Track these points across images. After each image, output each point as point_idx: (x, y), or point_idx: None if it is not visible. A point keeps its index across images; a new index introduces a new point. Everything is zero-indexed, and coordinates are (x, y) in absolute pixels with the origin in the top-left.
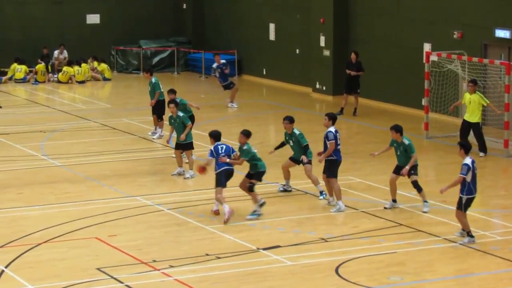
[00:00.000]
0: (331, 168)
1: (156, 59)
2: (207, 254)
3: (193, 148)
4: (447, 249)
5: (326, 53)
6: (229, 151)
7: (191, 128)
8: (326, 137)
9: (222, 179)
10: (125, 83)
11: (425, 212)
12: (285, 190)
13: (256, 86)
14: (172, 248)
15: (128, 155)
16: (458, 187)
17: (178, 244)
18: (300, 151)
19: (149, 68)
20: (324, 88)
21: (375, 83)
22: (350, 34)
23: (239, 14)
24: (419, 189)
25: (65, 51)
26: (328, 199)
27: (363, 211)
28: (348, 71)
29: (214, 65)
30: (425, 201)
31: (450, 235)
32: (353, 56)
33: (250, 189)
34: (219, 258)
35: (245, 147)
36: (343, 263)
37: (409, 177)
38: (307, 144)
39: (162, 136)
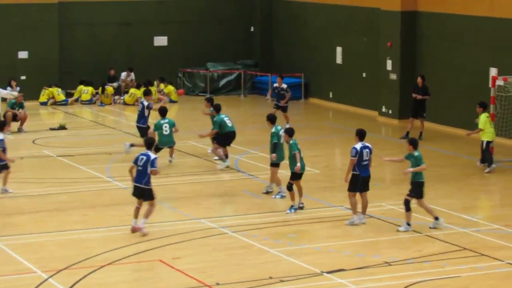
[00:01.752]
0: (351, 182)
1: (223, 82)
2: (271, 277)
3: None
4: (510, 273)
5: (393, 76)
6: None
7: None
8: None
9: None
10: (192, 105)
11: (399, 231)
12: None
13: (323, 109)
14: (235, 271)
15: (194, 177)
16: None
17: (242, 267)
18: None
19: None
20: (390, 111)
21: (441, 107)
22: (417, 58)
23: (306, 37)
24: (407, 208)
25: (132, 74)
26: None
27: (427, 235)
28: (414, 95)
29: (275, 85)
30: (408, 223)
31: None
32: (419, 80)
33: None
34: (282, 281)
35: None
36: (407, 287)
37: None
38: (275, 143)
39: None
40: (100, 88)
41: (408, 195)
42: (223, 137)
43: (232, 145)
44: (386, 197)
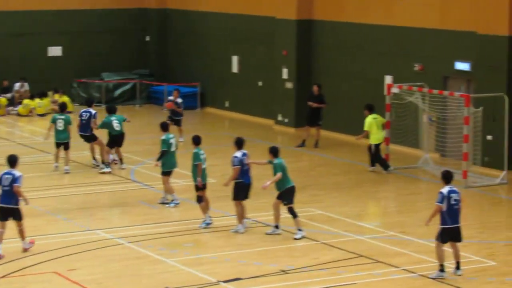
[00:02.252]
0: (235, 191)
1: (118, 92)
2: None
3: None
4: (406, 279)
5: (289, 85)
6: None
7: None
8: (231, 162)
9: None
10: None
11: (296, 239)
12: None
13: (219, 118)
14: (132, 281)
15: (89, 188)
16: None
17: (138, 277)
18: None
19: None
20: (286, 120)
21: (337, 115)
22: (313, 66)
23: (202, 46)
24: (294, 215)
25: (26, 84)
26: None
27: (323, 243)
28: (310, 103)
29: (171, 97)
30: (299, 229)
31: (409, 266)
32: (315, 88)
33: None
34: None
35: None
36: None
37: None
38: (164, 150)
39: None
40: (3, 99)
41: (284, 204)
42: (110, 140)
43: (128, 155)
44: (282, 206)
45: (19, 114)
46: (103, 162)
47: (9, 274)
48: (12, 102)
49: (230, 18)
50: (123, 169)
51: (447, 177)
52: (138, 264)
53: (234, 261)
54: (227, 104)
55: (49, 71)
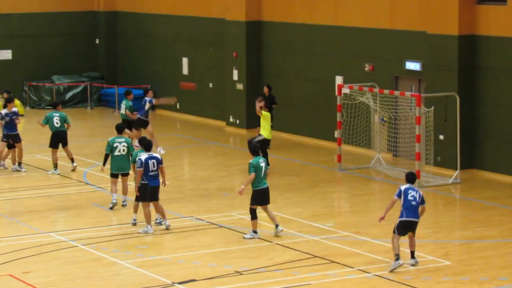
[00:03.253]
0: (141, 192)
1: (69, 95)
2: None
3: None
4: (360, 279)
5: (239, 86)
6: None
7: None
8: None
9: None
10: (38, 119)
11: (245, 238)
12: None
13: (170, 120)
14: (87, 284)
15: (41, 191)
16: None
17: (92, 280)
18: None
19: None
20: (238, 121)
21: (288, 117)
22: (263, 68)
23: (152, 48)
24: (253, 217)
25: None
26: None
27: (277, 244)
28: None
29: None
30: (254, 231)
31: (364, 266)
32: (265, 89)
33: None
34: None
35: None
36: None
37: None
38: (107, 154)
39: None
40: None
41: (251, 204)
42: (51, 137)
43: (80, 157)
44: (236, 207)
45: None
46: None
47: None
48: None
49: (179, 20)
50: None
51: (410, 178)
52: (93, 267)
53: (189, 263)
54: (178, 105)
55: None
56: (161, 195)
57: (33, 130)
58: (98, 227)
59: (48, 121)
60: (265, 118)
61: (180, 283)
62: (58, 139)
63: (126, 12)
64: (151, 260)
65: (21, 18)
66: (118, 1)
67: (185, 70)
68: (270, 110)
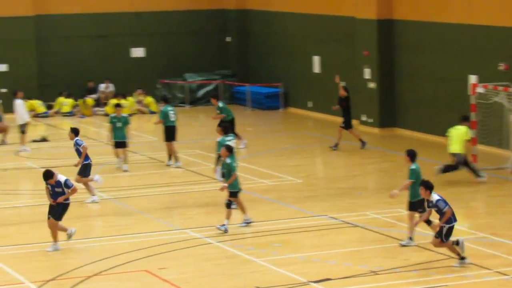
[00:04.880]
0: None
1: (201, 92)
2: (257, 287)
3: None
4: (499, 281)
5: (372, 85)
6: None
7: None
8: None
9: None
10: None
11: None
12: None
13: (302, 118)
14: (221, 281)
15: (176, 188)
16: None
17: (227, 277)
18: None
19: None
20: (370, 120)
21: (421, 116)
22: (395, 66)
23: (283, 46)
24: (228, 207)
25: (111, 85)
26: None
27: (414, 244)
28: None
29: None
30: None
31: (502, 268)
32: (343, 92)
33: (227, 206)
34: None
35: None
36: None
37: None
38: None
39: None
40: (81, 100)
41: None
42: (165, 131)
43: (214, 155)
44: (370, 206)
45: (106, 114)
46: None
47: (101, 272)
48: (98, 103)
49: (310, 18)
50: (169, 165)
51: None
52: (228, 264)
53: (324, 261)
54: (310, 104)
55: (133, 72)
56: (294, 194)
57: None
58: (234, 224)
59: (165, 115)
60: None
61: (315, 282)
62: (174, 133)
63: (257, 10)
64: (285, 258)
65: (154, 16)
66: (249, 0)
67: (316, 69)
68: (347, 110)
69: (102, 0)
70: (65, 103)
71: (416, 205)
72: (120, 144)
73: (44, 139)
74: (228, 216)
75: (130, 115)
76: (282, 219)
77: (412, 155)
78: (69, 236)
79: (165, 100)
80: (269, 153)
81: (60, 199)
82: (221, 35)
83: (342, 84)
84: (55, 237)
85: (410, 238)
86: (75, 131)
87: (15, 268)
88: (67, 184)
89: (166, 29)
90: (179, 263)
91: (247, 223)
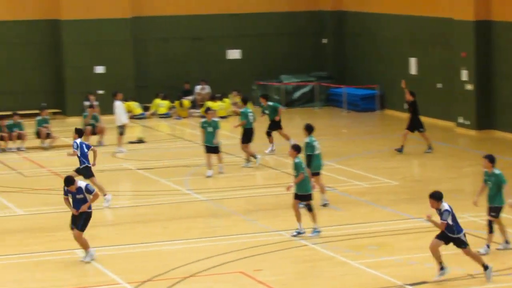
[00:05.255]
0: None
1: (297, 94)
2: None
3: None
4: None
5: (469, 87)
6: None
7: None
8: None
9: None
10: (265, 117)
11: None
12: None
13: (398, 121)
14: (317, 283)
15: (272, 189)
16: None
17: (323, 279)
18: None
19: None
20: (467, 123)
21: None
22: (493, 68)
23: (379, 48)
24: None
25: (206, 86)
26: None
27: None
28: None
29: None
30: (487, 245)
31: None
32: (409, 96)
33: (309, 209)
34: None
35: (296, 160)
36: None
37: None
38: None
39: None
40: (177, 102)
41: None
42: (246, 133)
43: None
44: (466, 209)
45: (202, 116)
46: None
47: (197, 273)
48: (194, 105)
49: (406, 20)
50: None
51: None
52: (323, 266)
53: (420, 264)
54: (406, 106)
55: (229, 74)
56: (390, 196)
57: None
58: (329, 226)
59: (245, 117)
60: None
61: (411, 284)
62: (251, 135)
63: (353, 12)
64: (381, 260)
65: (250, 18)
66: (345, 1)
67: (413, 70)
68: (414, 114)
69: (198, 2)
70: (161, 104)
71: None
72: (211, 149)
73: (140, 141)
74: (314, 219)
75: (225, 117)
76: (378, 222)
77: (493, 160)
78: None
79: (245, 101)
80: (365, 155)
81: (84, 208)
82: (317, 37)
83: (408, 89)
84: (85, 247)
85: (506, 242)
86: (78, 132)
87: (112, 268)
88: (88, 189)
89: (262, 30)
90: (274, 265)
91: (298, 233)
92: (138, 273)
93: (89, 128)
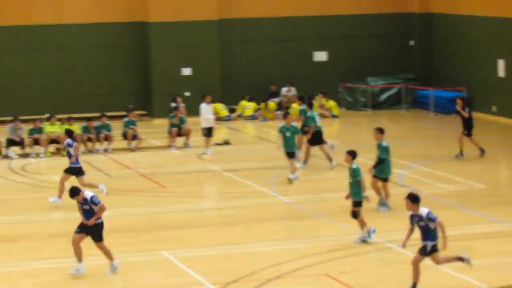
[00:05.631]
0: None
1: (384, 96)
2: None
3: None
4: None
5: None
6: None
7: None
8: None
9: None
10: (353, 120)
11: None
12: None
13: (486, 123)
14: (403, 287)
15: None
16: None
17: (408, 283)
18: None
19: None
20: None
21: None
22: None
23: (466, 50)
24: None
25: (293, 88)
26: None
27: None
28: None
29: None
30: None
31: None
32: (459, 101)
33: (354, 216)
34: None
35: (354, 166)
36: None
37: None
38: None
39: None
40: (263, 104)
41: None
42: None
43: (395, 159)
44: None
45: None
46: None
47: (283, 275)
48: (280, 107)
49: (495, 21)
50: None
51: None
52: (408, 270)
53: (508, 268)
54: (494, 108)
55: (314, 76)
56: (478, 199)
57: (347, 131)
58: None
59: (313, 121)
60: None
61: None
62: (321, 136)
63: (441, 14)
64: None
65: (337, 20)
66: (433, 3)
67: (501, 72)
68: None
69: (285, 4)
70: (247, 106)
71: None
72: (289, 154)
73: (226, 143)
74: (362, 226)
75: None
76: (465, 225)
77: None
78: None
79: (310, 105)
80: (452, 158)
81: (92, 221)
82: (404, 39)
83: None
84: (109, 256)
85: None
86: (68, 132)
87: (197, 270)
88: (93, 201)
89: (348, 32)
90: (359, 268)
91: (363, 240)
92: (223, 275)
93: (174, 129)
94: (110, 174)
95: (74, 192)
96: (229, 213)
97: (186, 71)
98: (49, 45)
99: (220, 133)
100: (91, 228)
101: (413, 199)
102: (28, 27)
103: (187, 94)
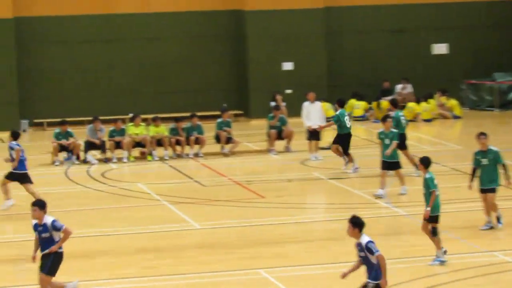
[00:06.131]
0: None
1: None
2: None
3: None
4: None
5: None
6: None
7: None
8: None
9: None
10: (477, 121)
11: None
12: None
13: None
14: None
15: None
16: None
17: None
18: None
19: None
20: None
21: None
22: None
23: None
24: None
25: (409, 85)
26: None
27: None
28: None
29: None
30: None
31: None
32: None
33: (433, 234)
34: None
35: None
36: None
37: None
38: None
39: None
40: (375, 103)
41: None
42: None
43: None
44: None
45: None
46: None
47: None
48: (394, 106)
49: None
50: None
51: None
52: None
53: None
54: None
55: (433, 72)
56: None
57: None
58: None
59: (397, 122)
60: None
61: None
62: (405, 140)
63: None
64: None
65: (458, 8)
66: None
67: None
68: None
69: None
70: (357, 106)
71: None
72: (388, 164)
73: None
74: (438, 246)
75: (430, 120)
76: None
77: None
78: None
79: (394, 105)
80: None
81: (55, 248)
82: None
83: None
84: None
85: None
86: (13, 134)
87: None
88: (54, 226)
89: (472, 22)
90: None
91: (440, 261)
92: None
93: (274, 131)
94: (201, 182)
95: (42, 205)
96: (335, 226)
97: (287, 66)
98: (132, 37)
99: (326, 136)
100: (48, 255)
101: (355, 223)
102: (110, 16)
103: (288, 91)
